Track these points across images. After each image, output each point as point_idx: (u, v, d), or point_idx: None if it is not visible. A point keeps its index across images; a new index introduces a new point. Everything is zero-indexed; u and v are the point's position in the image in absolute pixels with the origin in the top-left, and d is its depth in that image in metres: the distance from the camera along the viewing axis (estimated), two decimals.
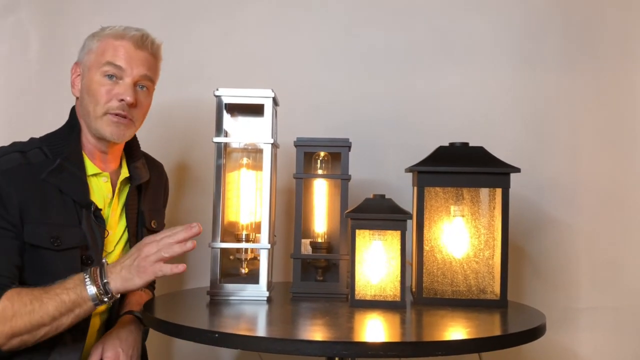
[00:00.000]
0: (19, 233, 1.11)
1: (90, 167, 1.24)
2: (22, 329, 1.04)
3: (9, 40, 1.77)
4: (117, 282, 1.08)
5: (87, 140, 1.25)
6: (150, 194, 1.36)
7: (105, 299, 1.07)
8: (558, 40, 1.77)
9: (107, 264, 1.10)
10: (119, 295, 1.10)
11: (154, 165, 1.42)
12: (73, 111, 1.27)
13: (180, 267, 1.08)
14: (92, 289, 1.06)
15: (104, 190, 1.25)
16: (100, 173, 1.25)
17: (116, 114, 1.22)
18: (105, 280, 1.07)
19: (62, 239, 1.14)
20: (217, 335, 0.97)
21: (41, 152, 1.17)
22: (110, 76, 1.21)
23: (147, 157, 1.41)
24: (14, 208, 1.11)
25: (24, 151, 1.16)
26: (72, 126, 1.24)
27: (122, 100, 1.21)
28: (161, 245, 1.09)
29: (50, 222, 1.13)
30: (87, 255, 1.17)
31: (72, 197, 1.16)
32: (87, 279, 1.07)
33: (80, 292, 1.06)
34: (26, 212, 1.11)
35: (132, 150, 1.34)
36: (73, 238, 1.15)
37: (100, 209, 1.22)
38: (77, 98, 1.27)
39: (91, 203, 1.19)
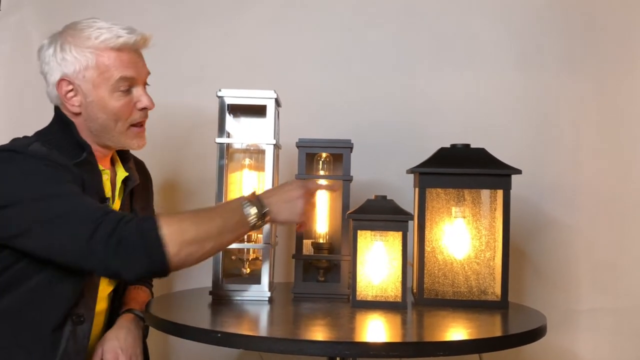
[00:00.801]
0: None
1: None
2: (191, 238, 1.03)
3: (10, 40, 1.77)
4: (276, 210, 1.14)
5: (87, 140, 1.21)
6: (140, 193, 1.36)
7: (261, 224, 1.13)
8: (560, 42, 1.77)
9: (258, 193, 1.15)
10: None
11: (138, 165, 1.40)
12: (59, 111, 1.21)
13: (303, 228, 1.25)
14: (252, 216, 1.10)
15: (106, 188, 1.25)
16: (103, 170, 1.24)
17: (138, 124, 1.21)
18: (264, 210, 1.12)
19: None
20: (219, 335, 0.97)
21: (42, 146, 1.14)
22: (126, 90, 1.18)
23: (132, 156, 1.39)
24: (77, 176, 1.10)
25: (39, 141, 1.14)
26: (67, 124, 1.19)
27: (143, 108, 1.21)
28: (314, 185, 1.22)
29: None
30: None
31: (94, 190, 1.15)
32: (247, 205, 1.10)
33: (241, 217, 1.09)
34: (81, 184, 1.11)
35: (123, 151, 1.32)
36: None
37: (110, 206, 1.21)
38: (76, 114, 1.19)
39: (107, 198, 1.20)
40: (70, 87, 1.16)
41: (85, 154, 1.15)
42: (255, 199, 1.12)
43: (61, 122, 1.20)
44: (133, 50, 1.18)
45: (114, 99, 1.16)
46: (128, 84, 1.18)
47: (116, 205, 1.27)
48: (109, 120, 1.17)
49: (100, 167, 1.22)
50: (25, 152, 1.09)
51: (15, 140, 1.18)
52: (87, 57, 1.15)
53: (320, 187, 1.28)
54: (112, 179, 1.27)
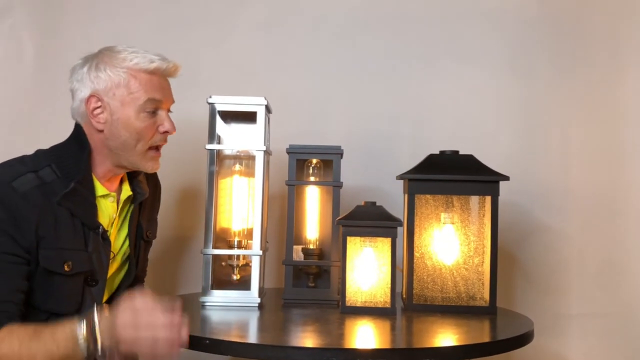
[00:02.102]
0: (31, 258, 1.09)
1: (100, 189, 1.22)
2: None
3: (3, 44, 1.76)
4: (111, 344, 1.00)
5: (102, 163, 1.21)
6: (148, 206, 1.36)
7: (99, 356, 1.02)
8: (548, 49, 1.77)
9: (99, 323, 1.01)
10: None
11: (150, 176, 1.40)
12: (80, 129, 1.21)
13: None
14: (84, 349, 1.00)
15: (110, 210, 1.24)
16: (108, 194, 1.23)
17: (157, 147, 1.23)
18: (99, 345, 1.00)
19: (73, 264, 1.13)
20: (207, 341, 0.97)
21: (52, 171, 1.14)
22: (151, 112, 1.19)
23: None
24: (31, 233, 1.09)
25: (36, 170, 1.13)
26: (82, 145, 1.19)
27: (165, 132, 1.22)
28: (176, 336, 0.99)
29: (63, 247, 1.12)
30: (92, 277, 1.17)
31: (82, 221, 1.15)
32: (80, 338, 1.00)
33: (72, 348, 1.01)
34: (42, 237, 1.10)
35: None
36: (82, 263, 1.14)
37: (107, 230, 1.21)
38: (100, 131, 1.19)
39: (99, 225, 1.19)
40: (99, 103, 1.18)
41: (72, 184, 1.14)
42: (89, 332, 1.00)
43: (77, 143, 1.20)
44: (163, 76, 1.22)
45: (139, 119, 1.18)
46: (154, 107, 1.20)
47: (115, 223, 1.25)
48: (131, 139, 1.18)
49: (104, 192, 1.22)
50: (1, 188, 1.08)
51: (23, 160, 1.16)
52: (120, 76, 1.17)
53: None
54: (117, 199, 1.26)
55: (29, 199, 1.09)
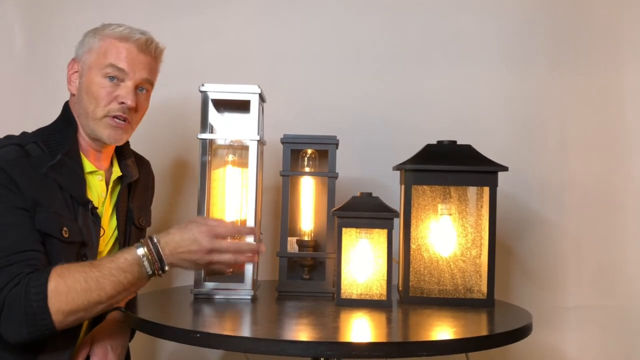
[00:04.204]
0: (32, 218, 1.08)
1: (87, 165, 1.22)
2: (79, 307, 1.01)
3: None
4: (176, 265, 1.11)
5: (83, 138, 1.23)
6: (139, 192, 1.35)
7: (160, 275, 1.09)
8: (547, 40, 1.77)
9: (159, 240, 1.09)
10: None
11: (142, 163, 1.40)
12: (67, 107, 1.24)
13: (230, 270, 1.16)
14: (150, 271, 1.07)
15: (99, 188, 1.23)
16: (96, 171, 1.23)
17: (115, 117, 1.21)
18: (166, 268, 1.09)
19: (70, 232, 1.12)
20: (198, 335, 0.95)
21: (37, 147, 1.14)
22: (112, 78, 1.20)
23: (135, 154, 1.39)
24: (29, 194, 1.08)
25: (21, 144, 1.13)
26: (69, 122, 1.21)
27: (122, 103, 1.20)
28: (234, 249, 1.14)
29: (58, 212, 1.11)
30: (83, 252, 1.15)
31: (71, 194, 1.14)
32: (146, 264, 1.07)
33: (138, 272, 1.06)
34: (38, 201, 1.09)
35: (122, 148, 1.32)
36: (76, 233, 1.14)
37: (97, 207, 1.20)
38: (73, 95, 1.24)
39: (89, 201, 1.18)
40: (77, 67, 1.23)
41: (59, 156, 1.14)
42: (155, 258, 1.08)
43: (64, 120, 1.23)
44: (134, 47, 1.21)
45: (99, 84, 1.19)
46: (115, 74, 1.19)
47: (107, 205, 1.25)
48: (88, 103, 1.19)
49: (92, 168, 1.21)
50: None
51: (8, 136, 1.17)
52: (95, 42, 1.21)
53: (228, 250, 1.14)
54: (107, 179, 1.26)
55: (19, 164, 1.10)
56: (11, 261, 1.02)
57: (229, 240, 1.15)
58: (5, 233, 1.05)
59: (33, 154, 1.12)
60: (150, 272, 1.07)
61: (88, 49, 1.21)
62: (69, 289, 1.01)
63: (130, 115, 1.23)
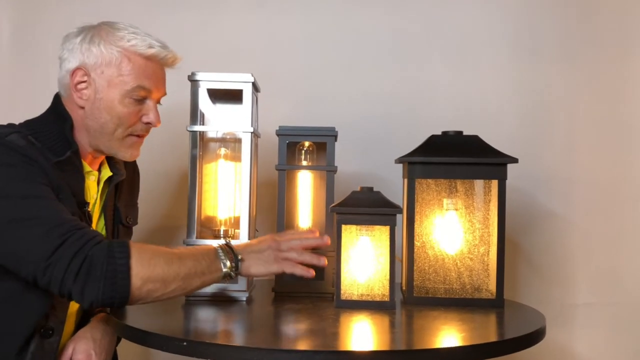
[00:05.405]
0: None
1: (84, 165, 1.18)
2: (158, 275, 0.99)
3: None
4: (249, 262, 1.10)
5: (81, 140, 1.16)
6: (126, 190, 1.31)
7: (234, 275, 1.08)
8: (555, 30, 1.75)
9: (232, 242, 1.11)
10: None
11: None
12: (59, 101, 1.16)
13: (311, 272, 1.13)
14: (226, 263, 1.07)
15: (92, 189, 1.19)
16: (90, 171, 1.19)
17: (137, 135, 1.18)
18: (239, 257, 1.08)
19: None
20: (185, 343, 0.89)
21: (34, 139, 1.08)
22: (138, 99, 1.15)
23: None
24: (52, 178, 1.05)
25: (22, 134, 1.07)
26: (63, 118, 1.14)
27: (148, 123, 1.18)
28: (298, 245, 1.14)
29: (67, 207, 1.07)
30: None
31: (73, 193, 1.10)
32: (221, 253, 1.07)
33: (213, 262, 1.06)
34: (58, 188, 1.06)
35: None
36: None
37: (90, 210, 1.16)
38: (81, 108, 1.14)
39: (87, 202, 1.14)
40: (85, 78, 1.13)
41: (69, 153, 1.09)
42: (229, 249, 1.09)
43: (56, 114, 1.15)
44: (159, 65, 1.18)
45: (123, 104, 1.14)
46: (143, 95, 1.15)
47: (97, 206, 1.21)
48: (110, 122, 1.14)
49: (88, 169, 1.18)
50: (1, 142, 1.03)
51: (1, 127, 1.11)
52: (113, 54, 1.13)
53: (293, 247, 1.15)
54: (98, 179, 1.22)
55: (31, 150, 1.05)
56: (82, 225, 1.01)
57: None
58: (54, 204, 1.02)
59: (37, 145, 1.08)
60: (225, 260, 1.06)
61: (104, 62, 1.12)
62: (152, 254, 1.00)
63: (149, 130, 1.21)
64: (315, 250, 1.25)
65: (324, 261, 1.16)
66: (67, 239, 0.96)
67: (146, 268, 0.98)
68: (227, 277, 1.07)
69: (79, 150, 1.14)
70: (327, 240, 1.18)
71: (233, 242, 1.12)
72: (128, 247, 0.98)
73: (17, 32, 1.72)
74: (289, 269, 1.12)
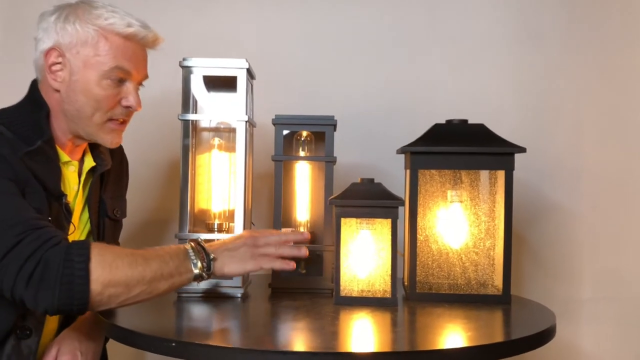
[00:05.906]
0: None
1: (62, 155, 1.13)
2: (121, 279, 0.93)
3: None
4: (223, 261, 1.05)
5: (59, 129, 1.12)
6: (112, 180, 1.27)
7: (205, 276, 1.02)
8: (561, 18, 1.72)
9: (204, 241, 1.06)
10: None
11: (114, 149, 1.30)
12: (36, 88, 1.12)
13: (291, 265, 1.09)
14: (197, 263, 1.01)
15: (72, 180, 1.15)
16: (69, 161, 1.14)
17: (117, 120, 1.13)
18: (211, 257, 1.03)
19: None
20: (174, 344, 0.84)
21: (5, 129, 1.04)
22: (116, 80, 1.10)
23: None
24: (19, 172, 1.00)
25: None
26: (39, 106, 1.10)
27: (128, 107, 1.13)
28: (276, 241, 1.10)
29: (39, 209, 1.02)
30: None
31: (45, 185, 1.04)
32: (191, 253, 1.02)
33: (182, 263, 1.00)
34: (24, 183, 1.01)
35: None
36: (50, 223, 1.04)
37: (69, 202, 1.11)
38: (57, 91, 1.10)
39: (63, 194, 1.09)
40: (60, 59, 1.09)
41: (39, 142, 1.04)
42: (200, 248, 1.04)
43: (33, 103, 1.11)
44: (139, 45, 1.13)
45: (100, 86, 1.09)
46: (121, 76, 1.10)
47: (79, 198, 1.16)
48: (87, 106, 1.09)
49: (66, 159, 1.13)
50: None
51: None
52: (89, 33, 1.08)
53: (270, 242, 1.10)
54: (80, 170, 1.18)
55: (0, 141, 1.00)
56: (41, 225, 0.95)
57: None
58: (14, 201, 0.97)
59: (6, 135, 1.03)
60: (195, 261, 1.01)
61: (80, 41, 1.07)
62: (115, 256, 0.94)
63: (130, 115, 1.16)
64: (311, 246, 1.22)
65: (304, 251, 1.10)
66: (21, 239, 0.91)
67: (107, 271, 0.92)
68: (199, 279, 1.01)
69: (53, 139, 1.09)
70: (307, 235, 1.15)
71: (204, 237, 1.08)
72: (88, 249, 0.93)
73: (5, 24, 1.68)
74: (267, 264, 1.08)
